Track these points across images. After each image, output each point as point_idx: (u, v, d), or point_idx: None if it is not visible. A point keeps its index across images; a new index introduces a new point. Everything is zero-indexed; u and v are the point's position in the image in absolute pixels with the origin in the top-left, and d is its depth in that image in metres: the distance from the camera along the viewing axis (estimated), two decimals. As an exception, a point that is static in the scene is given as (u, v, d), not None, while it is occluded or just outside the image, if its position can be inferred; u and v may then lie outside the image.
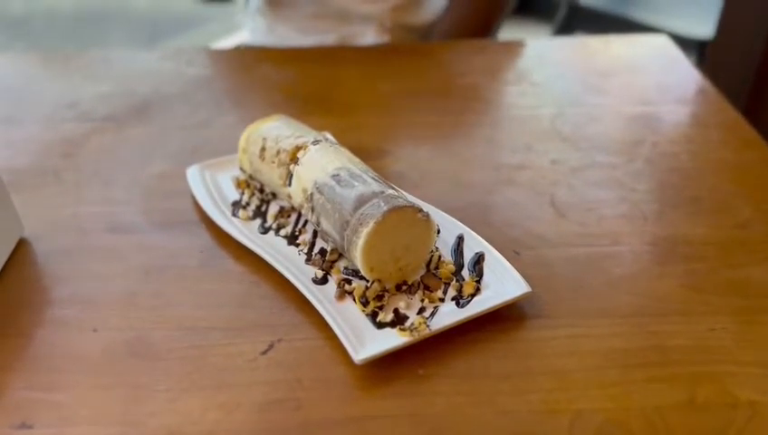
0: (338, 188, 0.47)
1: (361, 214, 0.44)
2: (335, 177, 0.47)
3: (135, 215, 0.56)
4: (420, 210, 0.45)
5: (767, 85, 1.14)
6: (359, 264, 0.45)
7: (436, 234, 0.47)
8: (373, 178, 0.47)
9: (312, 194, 0.48)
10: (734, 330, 0.44)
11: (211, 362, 0.43)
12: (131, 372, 0.42)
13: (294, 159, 0.51)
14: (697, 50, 1.59)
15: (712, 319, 0.45)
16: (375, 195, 0.45)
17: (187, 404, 0.40)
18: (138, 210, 0.57)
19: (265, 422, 0.39)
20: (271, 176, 0.53)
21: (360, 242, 0.44)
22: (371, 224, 0.43)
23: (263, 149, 0.54)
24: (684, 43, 0.88)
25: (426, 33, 1.02)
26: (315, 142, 0.51)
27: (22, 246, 0.52)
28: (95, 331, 0.45)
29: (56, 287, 0.49)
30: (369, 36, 0.98)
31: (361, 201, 0.45)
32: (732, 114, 0.71)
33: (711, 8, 1.58)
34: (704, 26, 1.62)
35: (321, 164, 0.49)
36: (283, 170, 0.51)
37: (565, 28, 1.96)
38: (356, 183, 0.46)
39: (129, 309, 0.47)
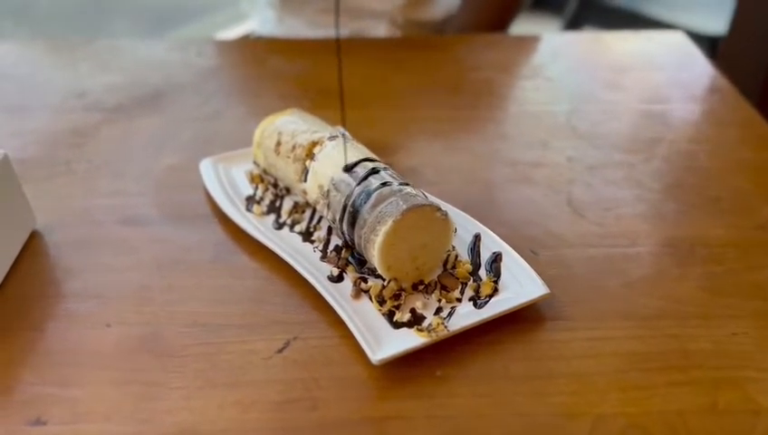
0: (354, 185, 0.46)
1: (379, 212, 0.44)
2: (353, 174, 0.47)
3: (147, 207, 0.55)
4: (439, 209, 0.44)
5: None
6: (376, 262, 0.44)
7: (453, 233, 0.46)
8: (391, 176, 0.47)
9: (328, 191, 0.48)
10: (755, 335, 0.44)
11: (226, 360, 0.42)
12: (145, 368, 0.42)
13: (310, 155, 0.50)
14: (709, 46, 1.58)
15: (733, 323, 0.45)
16: (393, 193, 0.44)
17: (202, 402, 0.40)
18: (150, 203, 0.56)
19: (281, 422, 0.39)
20: (286, 171, 0.52)
21: (379, 240, 0.43)
22: (390, 222, 0.43)
23: (278, 143, 0.53)
24: (695, 38, 0.87)
25: (438, 30, 1.01)
26: (332, 138, 0.50)
27: (34, 237, 0.52)
28: (108, 326, 0.45)
29: (69, 280, 0.48)
30: (380, 32, 0.97)
31: (379, 199, 0.44)
32: (749, 112, 0.70)
33: (723, 4, 1.56)
34: (716, 22, 1.61)
35: (337, 160, 0.48)
36: (298, 166, 0.51)
37: (575, 23, 1.95)
38: (374, 180, 0.46)
39: (142, 304, 0.46)
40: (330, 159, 0.49)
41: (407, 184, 0.46)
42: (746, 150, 0.63)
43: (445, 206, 0.50)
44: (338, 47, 0.43)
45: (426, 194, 0.47)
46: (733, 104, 0.72)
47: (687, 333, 0.44)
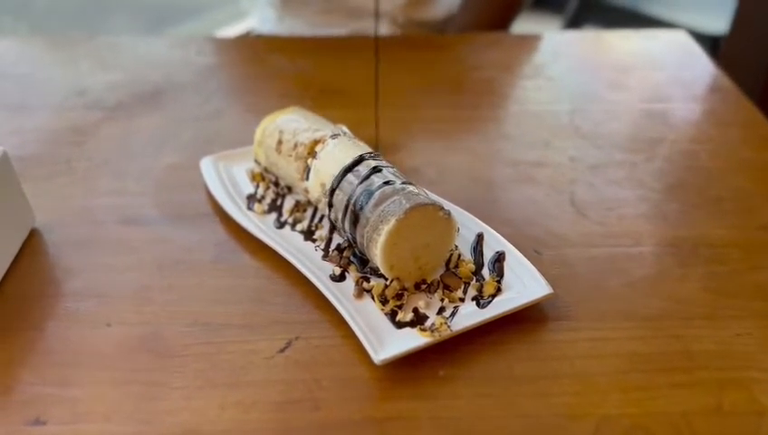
0: (357, 184, 0.46)
1: (382, 211, 0.43)
2: (355, 172, 0.46)
3: (147, 207, 0.55)
4: (442, 208, 0.44)
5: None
6: (378, 262, 0.44)
7: (456, 232, 0.46)
8: (393, 175, 0.46)
9: (330, 189, 0.47)
10: (759, 335, 0.44)
11: (227, 360, 0.42)
12: (146, 368, 0.41)
13: (312, 153, 0.50)
14: (710, 45, 1.58)
15: (736, 323, 0.44)
16: (396, 192, 0.44)
17: (203, 402, 0.39)
18: (150, 202, 0.56)
19: (283, 422, 0.38)
20: (287, 169, 0.52)
21: (381, 239, 0.43)
22: (393, 221, 0.42)
23: (279, 142, 0.53)
24: (696, 38, 0.87)
25: (439, 29, 1.01)
26: (334, 136, 0.50)
27: (33, 236, 0.52)
28: (109, 325, 0.44)
29: (68, 280, 0.48)
30: (380, 31, 0.97)
31: (382, 198, 0.44)
32: (751, 112, 0.70)
33: (724, 3, 1.56)
34: (717, 21, 1.61)
35: (339, 159, 0.48)
36: (300, 164, 0.50)
37: (575, 21, 1.94)
38: (376, 179, 0.45)
39: (142, 303, 0.46)
40: (332, 157, 0.48)
41: (409, 183, 0.46)
42: (748, 150, 0.63)
43: (447, 205, 0.50)
44: (376, 47, 0.42)
45: (428, 193, 0.47)
46: (735, 104, 0.72)
47: (691, 334, 0.44)
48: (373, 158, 0.48)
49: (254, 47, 0.89)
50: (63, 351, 0.43)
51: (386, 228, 0.43)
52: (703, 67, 0.80)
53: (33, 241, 0.51)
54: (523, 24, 1.04)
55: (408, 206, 0.43)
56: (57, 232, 0.52)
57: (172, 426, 0.38)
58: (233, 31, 1.85)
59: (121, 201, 0.56)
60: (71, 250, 0.51)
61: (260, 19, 1.05)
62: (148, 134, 0.66)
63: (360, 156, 0.48)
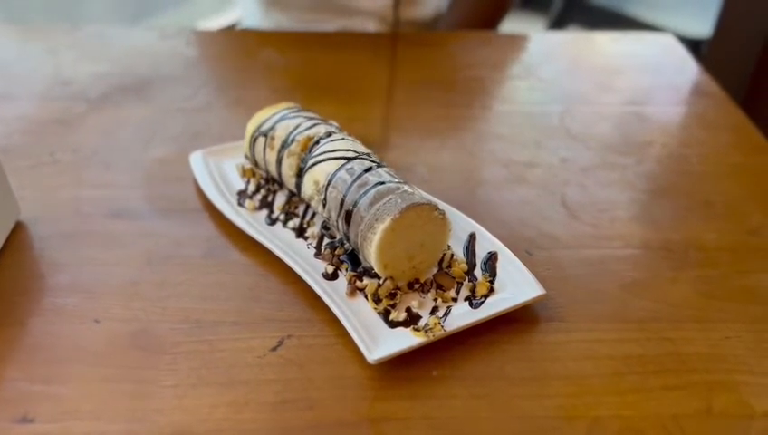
0: (351, 182, 0.45)
1: (377, 209, 0.43)
2: (349, 170, 0.46)
3: (136, 200, 0.54)
4: (437, 208, 0.44)
5: (764, 86, 1.14)
6: (372, 260, 0.44)
7: (450, 232, 0.46)
8: (388, 173, 0.46)
9: (324, 187, 0.47)
10: (748, 339, 0.44)
11: (219, 358, 0.41)
12: (136, 365, 0.41)
13: (306, 150, 0.49)
14: (691, 48, 1.59)
15: (726, 326, 0.45)
16: (391, 191, 0.44)
17: (195, 401, 0.39)
18: (139, 195, 0.55)
19: (276, 422, 0.38)
20: (280, 166, 0.51)
21: (376, 238, 0.42)
22: (388, 220, 0.42)
23: (271, 138, 0.52)
24: (679, 40, 0.88)
25: (428, 28, 1.01)
26: (327, 133, 0.50)
27: (18, 229, 0.51)
28: (97, 321, 0.44)
29: (55, 274, 0.47)
30: (369, 29, 0.96)
31: (377, 197, 0.44)
32: (739, 117, 0.70)
33: (705, 7, 1.58)
34: (699, 25, 1.62)
35: (333, 156, 0.47)
36: (293, 161, 0.50)
37: (560, 21, 1.95)
38: (371, 178, 0.45)
39: (132, 299, 0.45)
40: (326, 155, 0.48)
41: (404, 182, 0.45)
42: (738, 155, 0.64)
43: (440, 204, 0.50)
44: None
45: (422, 192, 0.47)
46: (723, 108, 0.72)
47: (682, 337, 0.44)
48: (367, 156, 0.48)
49: (243, 40, 0.88)
50: (50, 347, 0.42)
51: (381, 227, 0.42)
52: (690, 71, 0.81)
53: (18, 234, 0.50)
54: (507, 24, 1.04)
55: (403, 205, 0.42)
56: (43, 225, 0.51)
57: (163, 425, 0.38)
58: (216, 23, 1.83)
59: (109, 194, 0.55)
60: (57, 244, 0.50)
61: (245, 13, 1.04)
62: (136, 126, 0.65)
63: (355, 154, 0.47)
